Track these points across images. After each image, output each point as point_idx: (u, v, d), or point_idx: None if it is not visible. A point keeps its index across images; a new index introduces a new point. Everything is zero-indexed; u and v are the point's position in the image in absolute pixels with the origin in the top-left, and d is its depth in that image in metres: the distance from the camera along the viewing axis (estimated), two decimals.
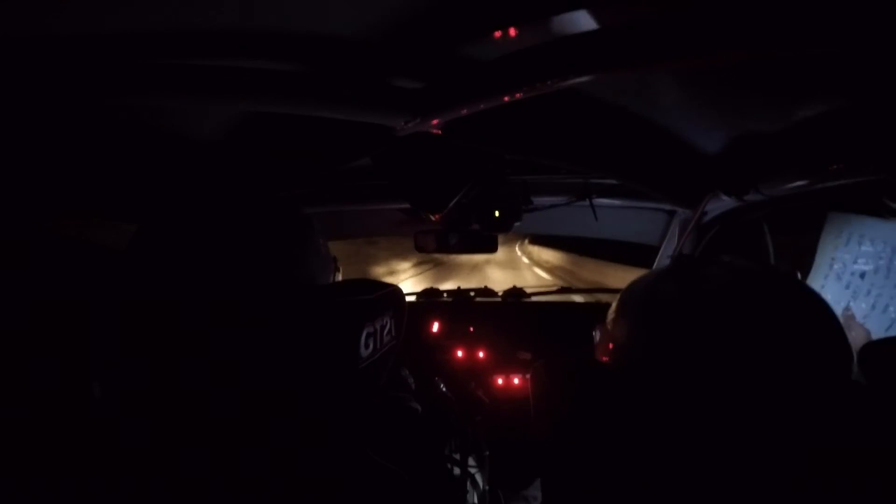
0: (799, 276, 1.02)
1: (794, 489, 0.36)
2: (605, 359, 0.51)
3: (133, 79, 0.56)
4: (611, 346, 0.50)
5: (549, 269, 11.27)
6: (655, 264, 1.50)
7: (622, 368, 0.48)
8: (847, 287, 0.91)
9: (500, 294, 1.78)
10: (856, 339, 0.87)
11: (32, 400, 0.40)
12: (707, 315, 0.44)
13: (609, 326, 0.52)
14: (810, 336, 0.42)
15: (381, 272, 8.67)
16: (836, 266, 0.94)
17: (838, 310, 0.91)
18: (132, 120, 0.72)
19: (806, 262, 1.00)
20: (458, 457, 1.29)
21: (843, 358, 0.43)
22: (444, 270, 9.98)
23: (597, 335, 0.59)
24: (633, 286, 0.53)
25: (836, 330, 0.43)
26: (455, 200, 0.99)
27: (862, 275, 0.89)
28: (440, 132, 0.77)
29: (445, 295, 1.80)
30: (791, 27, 0.41)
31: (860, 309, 0.89)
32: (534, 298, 1.80)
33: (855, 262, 0.91)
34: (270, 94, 0.60)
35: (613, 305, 0.53)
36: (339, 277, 0.63)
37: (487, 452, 1.32)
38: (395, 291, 0.52)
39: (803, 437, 0.38)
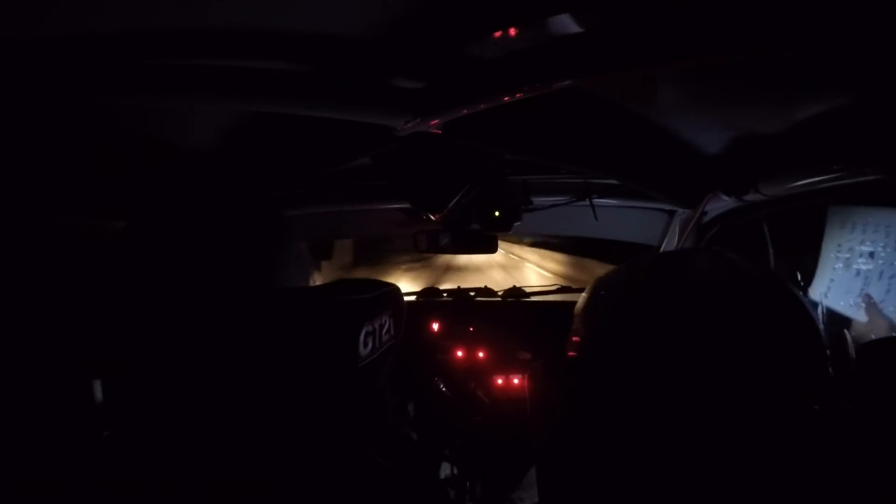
0: (799, 275, 1.02)
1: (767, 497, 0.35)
2: (571, 353, 0.48)
3: (133, 79, 0.56)
4: (575, 339, 0.48)
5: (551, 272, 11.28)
6: None
7: (584, 364, 0.46)
8: (857, 274, 0.90)
9: (500, 294, 1.78)
10: (877, 330, 0.85)
11: (32, 400, 0.40)
12: (671, 312, 0.41)
13: (575, 318, 0.49)
14: (781, 342, 0.39)
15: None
16: (843, 255, 0.92)
17: (853, 299, 0.89)
18: (131, 119, 0.72)
19: (806, 261, 0.99)
20: (457, 457, 1.29)
21: (816, 364, 0.41)
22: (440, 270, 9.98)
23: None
24: (602, 279, 0.50)
25: (812, 335, 0.41)
26: (455, 200, 0.99)
27: (871, 254, 0.87)
28: (440, 132, 0.77)
29: (445, 294, 1.80)
30: (791, 27, 0.41)
31: (876, 294, 0.87)
32: (534, 298, 1.80)
33: (862, 244, 0.89)
34: (270, 94, 0.60)
35: (582, 296, 0.50)
36: (318, 280, 0.63)
37: (487, 452, 1.32)
38: (394, 290, 0.52)
39: (769, 449, 0.36)
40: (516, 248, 14.33)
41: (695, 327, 0.39)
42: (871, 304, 0.87)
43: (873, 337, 0.84)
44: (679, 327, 0.40)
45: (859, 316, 0.88)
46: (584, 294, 0.50)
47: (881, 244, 0.87)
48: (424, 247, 1.51)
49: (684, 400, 0.38)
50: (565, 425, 0.42)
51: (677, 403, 0.38)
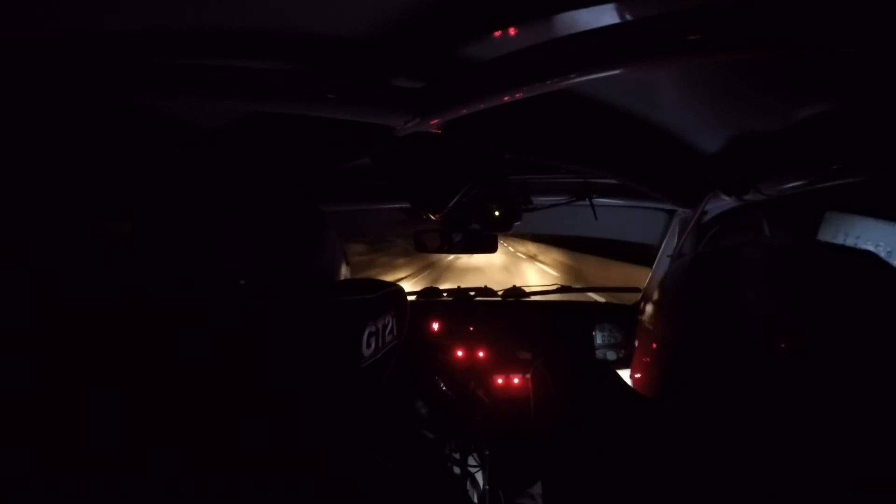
0: None
1: None
2: (646, 360, 0.47)
3: (133, 79, 0.56)
4: (654, 345, 0.46)
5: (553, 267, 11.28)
6: (655, 264, 1.50)
7: (674, 368, 0.44)
8: None
9: (500, 293, 1.78)
10: None
11: (32, 400, 0.40)
12: (774, 300, 0.37)
13: (650, 325, 0.47)
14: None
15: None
16: None
17: None
18: (129, 118, 0.72)
19: None
20: (458, 456, 1.29)
21: None
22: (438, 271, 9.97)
23: (636, 341, 0.54)
24: (676, 279, 0.48)
25: None
26: (455, 200, 0.99)
27: None
28: (440, 132, 0.77)
29: (445, 294, 1.80)
30: (791, 27, 0.41)
31: None
32: (534, 298, 1.80)
33: None
34: (270, 94, 0.60)
35: (651, 304, 0.48)
36: (347, 273, 0.64)
37: (487, 452, 1.32)
38: (397, 290, 0.52)
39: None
40: (514, 242, 14.34)
41: (811, 312, 0.36)
42: None
43: None
44: (776, 327, 0.37)
45: None
46: (650, 304, 0.48)
47: None
48: (424, 246, 1.52)
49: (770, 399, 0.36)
50: (571, 423, 0.42)
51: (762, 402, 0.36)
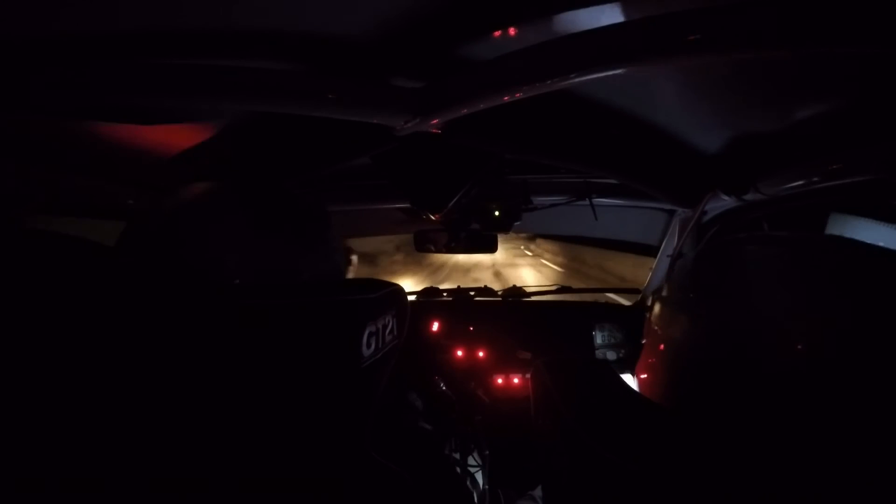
0: None
1: None
2: (651, 360, 0.47)
3: (133, 78, 0.56)
4: (662, 346, 0.46)
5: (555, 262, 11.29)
6: (655, 264, 1.50)
7: (683, 370, 0.43)
8: None
9: (500, 293, 1.78)
10: None
11: (32, 400, 0.40)
12: (796, 294, 0.36)
13: (657, 327, 0.47)
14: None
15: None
16: None
17: None
18: (130, 118, 0.72)
19: None
20: (458, 456, 1.29)
21: None
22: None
23: (643, 340, 0.53)
24: (683, 280, 0.47)
25: None
26: (455, 200, 0.99)
27: None
28: (440, 132, 0.77)
29: (445, 294, 1.80)
30: (791, 27, 0.41)
31: None
32: (534, 298, 1.80)
33: None
34: (270, 94, 0.60)
35: (658, 304, 0.48)
36: (352, 272, 0.64)
37: (487, 452, 1.32)
38: (397, 290, 0.52)
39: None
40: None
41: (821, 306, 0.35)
42: None
43: None
44: (805, 310, 0.35)
45: None
46: (658, 305, 0.47)
47: None
48: (424, 246, 1.52)
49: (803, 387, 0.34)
50: (571, 423, 0.42)
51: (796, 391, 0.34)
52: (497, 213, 1.17)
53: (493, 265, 11.08)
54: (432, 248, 1.50)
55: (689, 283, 0.46)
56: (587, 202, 1.22)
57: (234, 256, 0.48)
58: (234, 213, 0.50)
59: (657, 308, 0.49)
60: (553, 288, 1.83)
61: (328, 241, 0.57)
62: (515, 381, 1.54)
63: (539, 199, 1.24)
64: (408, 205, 1.12)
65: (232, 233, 0.49)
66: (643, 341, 0.53)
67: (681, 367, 0.44)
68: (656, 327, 0.48)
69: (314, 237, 0.55)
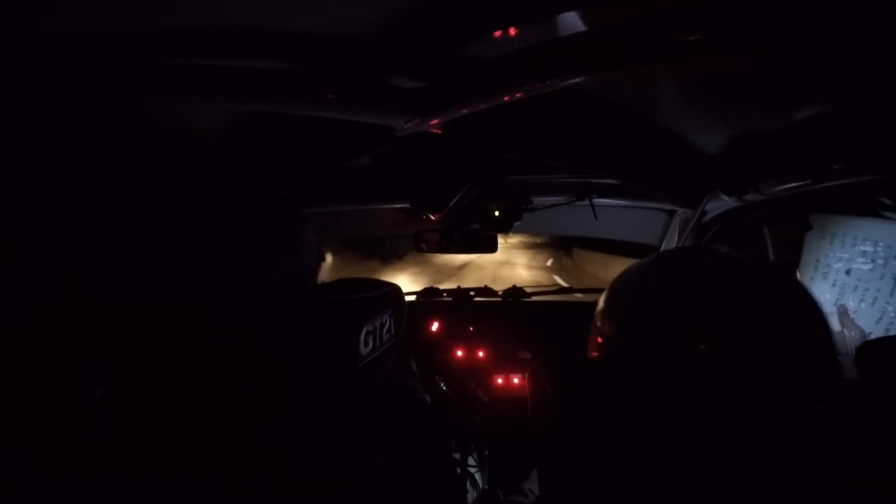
0: (799, 275, 1.03)
1: (787, 494, 0.35)
2: (594, 353, 0.49)
3: (133, 78, 0.56)
4: (599, 339, 0.49)
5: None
6: None
7: (612, 364, 0.47)
8: (833, 285, 0.92)
9: (500, 293, 1.78)
10: (853, 339, 0.87)
11: (32, 400, 0.40)
12: (697, 308, 0.42)
13: (598, 320, 0.50)
14: (802, 334, 0.41)
15: None
16: (821, 266, 0.95)
17: (828, 307, 0.91)
18: (128, 117, 0.72)
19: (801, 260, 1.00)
20: (458, 456, 1.29)
21: (833, 357, 0.42)
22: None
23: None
24: (623, 277, 0.51)
25: (826, 327, 0.42)
26: (455, 200, 0.99)
27: (847, 271, 0.90)
28: (440, 132, 0.77)
29: (445, 294, 1.80)
30: (791, 27, 0.41)
31: (850, 305, 0.89)
32: (534, 298, 1.80)
33: (839, 260, 0.92)
34: (270, 94, 0.60)
35: (602, 297, 0.51)
36: (326, 272, 0.64)
37: (487, 452, 1.32)
38: (395, 290, 0.52)
39: (797, 440, 0.37)
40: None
41: (713, 323, 0.41)
42: (842, 314, 0.89)
43: (849, 346, 0.86)
44: (699, 324, 0.42)
45: (832, 325, 0.90)
46: (603, 294, 0.51)
47: (857, 264, 0.89)
48: (424, 246, 1.51)
49: (708, 390, 0.40)
50: (567, 424, 0.42)
51: (691, 405, 0.40)
52: (497, 213, 1.17)
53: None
54: (432, 248, 1.50)
55: (626, 289, 0.50)
56: (587, 202, 1.22)
57: (218, 256, 0.48)
58: (219, 216, 0.50)
59: (600, 304, 0.53)
60: (553, 288, 1.83)
61: (301, 242, 0.57)
62: (515, 381, 1.54)
63: (539, 200, 1.24)
64: (408, 205, 1.12)
65: (216, 234, 0.49)
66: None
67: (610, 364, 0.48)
68: (598, 322, 0.51)
69: (290, 239, 0.56)
